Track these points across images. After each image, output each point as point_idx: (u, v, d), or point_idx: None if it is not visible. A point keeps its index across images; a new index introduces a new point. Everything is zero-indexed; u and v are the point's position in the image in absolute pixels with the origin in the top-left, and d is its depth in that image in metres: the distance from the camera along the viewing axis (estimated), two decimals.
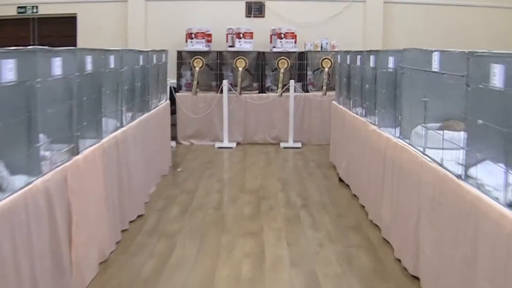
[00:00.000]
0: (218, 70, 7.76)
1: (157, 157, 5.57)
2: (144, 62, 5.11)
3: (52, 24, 8.87)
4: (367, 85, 4.71)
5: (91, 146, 3.49)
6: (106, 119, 3.94)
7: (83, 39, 8.47)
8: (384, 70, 4.16)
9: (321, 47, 7.99)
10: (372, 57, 4.52)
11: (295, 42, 7.85)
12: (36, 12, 8.75)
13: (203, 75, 7.95)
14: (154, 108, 5.58)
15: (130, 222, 4.33)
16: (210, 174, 5.99)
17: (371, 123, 4.52)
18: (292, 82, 7.56)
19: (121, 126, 4.30)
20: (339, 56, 6.24)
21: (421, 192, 3.17)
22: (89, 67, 3.47)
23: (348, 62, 5.64)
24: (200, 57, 7.61)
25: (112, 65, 4.06)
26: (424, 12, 8.61)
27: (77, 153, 3.24)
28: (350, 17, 8.48)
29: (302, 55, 7.90)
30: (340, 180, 5.68)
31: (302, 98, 7.79)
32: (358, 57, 5.10)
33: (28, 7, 8.73)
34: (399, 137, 3.80)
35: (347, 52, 5.77)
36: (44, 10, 8.68)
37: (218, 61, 7.75)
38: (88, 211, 3.33)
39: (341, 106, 6.00)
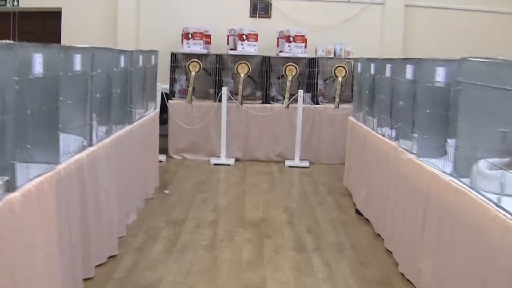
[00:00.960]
0: (217, 75, 6.83)
1: (140, 177, 4.65)
2: (126, 64, 4.19)
3: (35, 19, 7.95)
4: (400, 102, 3.78)
5: (39, 176, 2.56)
6: (67, 136, 3.02)
7: (68, 37, 7.54)
8: (429, 85, 3.23)
9: (334, 53, 7.07)
10: (410, 68, 3.59)
11: (305, 46, 6.93)
12: (17, 5, 7.82)
13: (199, 81, 7.04)
14: (139, 119, 4.66)
15: (98, 266, 3.40)
16: (203, 199, 5.06)
17: (406, 150, 3.60)
18: (300, 92, 6.63)
19: (90, 144, 3.37)
20: (359, 64, 5.32)
21: (496, 262, 2.24)
22: (38, 69, 2.55)
23: (372, 72, 4.72)
24: (197, 60, 6.69)
25: (77, 67, 3.13)
26: (448, 17, 7.70)
27: (14, 189, 2.31)
28: (367, 21, 7.56)
29: (312, 62, 6.98)
30: (358, 212, 4.76)
31: (311, 110, 6.86)
32: (388, 66, 4.17)
33: (8, 0, 7.82)
34: (451, 175, 2.87)
35: (371, 60, 4.85)
36: (26, 3, 7.75)
37: (217, 65, 6.83)
38: (31, 262, 2.41)
39: (360, 124, 5.07)
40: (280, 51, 7.03)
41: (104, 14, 7.53)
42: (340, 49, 7.07)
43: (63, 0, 7.63)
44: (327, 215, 4.73)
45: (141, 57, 4.62)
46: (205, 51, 6.90)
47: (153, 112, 5.27)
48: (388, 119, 4.11)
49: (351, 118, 5.56)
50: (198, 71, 6.69)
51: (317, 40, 7.19)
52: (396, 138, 3.89)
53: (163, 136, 6.86)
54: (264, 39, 7.07)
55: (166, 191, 5.29)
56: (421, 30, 7.67)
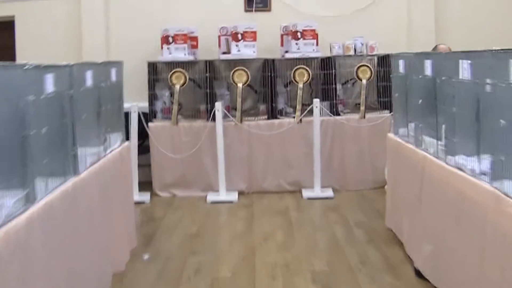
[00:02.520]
0: (208, 87, 5.35)
1: (103, 245, 3.19)
2: (60, 87, 2.71)
3: None
4: (498, 120, 2.30)
5: None
6: None
7: (23, 51, 6.08)
8: None
9: (355, 50, 5.58)
10: None
11: (317, 43, 5.46)
12: None
13: (186, 96, 5.59)
14: (94, 163, 3.20)
15: None
16: (196, 267, 3.57)
17: None
18: (316, 101, 5.16)
19: None
20: (400, 62, 3.83)
21: None
22: None
23: (428, 72, 3.23)
24: (181, 70, 5.22)
25: None
26: (489, 3, 6.20)
27: None
28: (390, 7, 6.07)
29: (327, 62, 5.50)
30: (418, 273, 3.29)
31: (330, 123, 5.38)
32: (464, 64, 2.68)
33: None
34: None
35: (427, 55, 3.36)
36: None
37: (208, 74, 5.35)
38: None
39: (410, 146, 3.59)
40: (286, 51, 5.55)
41: (66, 21, 6.06)
42: (362, 44, 5.58)
43: (16, 6, 6.16)
44: (376, 284, 3.24)
45: (89, 73, 3.14)
46: (191, 58, 5.43)
47: (120, 147, 3.79)
48: (472, 145, 2.62)
49: (391, 135, 4.08)
50: (184, 84, 5.22)
51: (331, 34, 5.72)
52: (494, 178, 2.40)
53: (145, 167, 5.40)
54: (265, 37, 5.60)
55: (146, 257, 3.81)
56: (456, 18, 6.17)
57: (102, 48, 5.86)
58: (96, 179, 3.16)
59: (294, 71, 5.25)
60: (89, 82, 3.17)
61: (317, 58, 5.53)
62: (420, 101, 3.39)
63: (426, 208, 3.26)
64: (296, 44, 5.39)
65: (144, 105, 5.40)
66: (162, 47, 5.44)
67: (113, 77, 3.70)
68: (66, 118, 2.84)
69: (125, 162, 3.89)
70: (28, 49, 6.02)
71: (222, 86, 5.55)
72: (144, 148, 5.50)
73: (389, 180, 4.21)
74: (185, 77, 5.21)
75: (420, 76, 3.37)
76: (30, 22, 6.13)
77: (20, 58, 5.96)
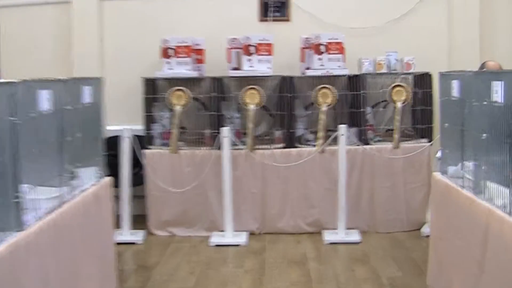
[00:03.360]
0: (214, 109, 4.56)
1: None
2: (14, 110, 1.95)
3: None
4: None
5: None
6: None
7: (7, 64, 5.34)
8: None
9: (388, 67, 4.75)
10: None
11: (344, 59, 4.64)
12: None
13: (190, 119, 4.81)
14: (49, 212, 2.41)
15: None
16: None
17: None
18: (342, 128, 4.33)
19: None
20: (455, 83, 2.99)
21: None
22: None
23: (497, 98, 2.39)
24: (183, 88, 4.44)
25: None
26: None
27: None
28: (428, 18, 5.23)
29: (355, 81, 4.67)
30: None
31: (358, 154, 4.55)
32: None
33: None
34: None
35: (496, 74, 2.52)
36: None
37: (215, 94, 4.56)
38: None
39: (465, 193, 2.75)
40: (307, 68, 4.74)
41: (55, 30, 5.31)
42: (396, 61, 4.75)
43: (1, 12, 5.44)
44: None
45: (44, 94, 2.36)
46: (195, 74, 4.65)
47: (95, 185, 3.00)
48: None
49: (438, 175, 3.22)
50: (186, 104, 4.43)
51: (360, 49, 4.90)
52: None
53: (140, 198, 4.62)
54: (282, 51, 4.81)
55: None
56: (503, 27, 5.32)
57: (95, 60, 5.11)
58: (54, 233, 2.37)
59: (317, 92, 4.44)
60: (45, 104, 2.39)
61: (343, 76, 4.71)
62: (485, 135, 2.54)
63: (491, 280, 2.41)
64: (319, 59, 4.57)
65: (138, 127, 4.64)
66: (163, 61, 4.66)
67: (86, 98, 2.92)
68: (4, 154, 2.06)
69: (102, 203, 3.09)
70: (12, 63, 5.28)
71: (232, 107, 4.75)
72: (140, 177, 4.70)
73: (433, 230, 3.35)
74: (188, 96, 4.42)
75: (485, 102, 2.53)
76: (15, 31, 5.38)
77: (3, 74, 5.24)
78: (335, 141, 4.38)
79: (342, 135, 4.30)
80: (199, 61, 4.81)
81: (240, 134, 4.65)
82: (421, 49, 4.99)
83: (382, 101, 5.01)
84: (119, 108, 4.94)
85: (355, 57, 4.80)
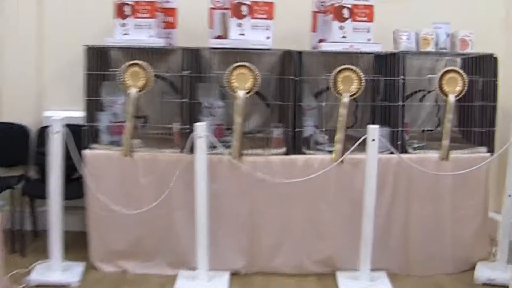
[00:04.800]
0: (187, 94, 3.12)
1: None
2: None
3: None
4: None
5: None
6: None
7: None
8: None
9: (436, 44, 3.36)
10: None
11: (369, 31, 3.22)
12: None
13: (151, 107, 3.42)
14: None
15: None
16: None
17: None
18: (374, 130, 2.94)
19: None
20: None
21: None
22: None
23: None
24: (141, 63, 3.02)
25: None
26: None
27: None
28: None
29: (390, 62, 3.28)
30: None
31: (391, 166, 3.17)
32: None
33: None
34: None
35: None
36: None
37: (189, 72, 3.12)
38: None
39: None
40: (321, 41, 3.34)
41: None
42: (447, 35, 3.37)
43: None
44: None
45: None
46: (161, 43, 3.21)
47: None
48: None
49: None
50: (145, 86, 3.02)
51: (395, 18, 3.53)
52: None
53: (77, 210, 3.26)
54: (287, 16, 3.40)
55: None
56: None
57: (32, 30, 3.69)
58: None
59: (336, 75, 3.04)
60: None
61: (373, 53, 3.33)
62: None
63: None
64: (341, 28, 3.17)
65: (78, 114, 3.25)
66: (116, 23, 3.24)
67: None
68: None
69: None
70: None
71: (212, 93, 3.35)
72: (72, 190, 3.31)
73: None
74: (148, 74, 3.01)
75: None
76: None
77: None
78: (360, 148, 3.01)
79: (373, 140, 2.92)
80: (169, 25, 3.39)
81: (222, 132, 3.27)
82: (477, 21, 3.63)
83: (419, 91, 3.67)
84: (62, 88, 3.59)
85: (388, 28, 3.42)
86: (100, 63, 3.25)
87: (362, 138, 2.94)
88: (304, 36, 3.48)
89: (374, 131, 2.93)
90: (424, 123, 3.76)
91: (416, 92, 3.69)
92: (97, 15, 3.58)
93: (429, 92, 3.73)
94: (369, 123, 3.14)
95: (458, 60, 3.66)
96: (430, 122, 3.79)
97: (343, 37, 3.17)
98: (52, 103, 3.78)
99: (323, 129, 3.26)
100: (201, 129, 2.91)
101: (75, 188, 3.26)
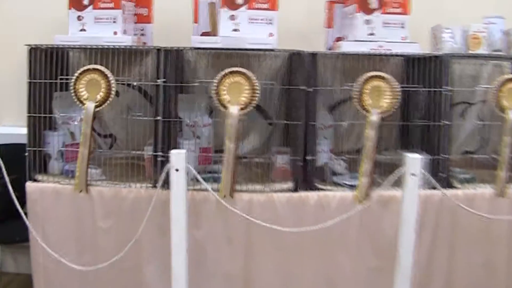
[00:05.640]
0: (164, 109, 2.34)
1: None
2: None
3: None
4: None
5: None
6: None
7: None
8: None
9: (489, 44, 2.58)
10: None
11: (404, 26, 2.44)
12: None
13: (116, 126, 2.63)
14: None
15: None
16: None
17: None
18: (414, 160, 2.16)
19: None
20: None
21: None
22: None
23: None
24: (101, 68, 2.24)
25: None
26: None
27: None
28: None
29: (431, 67, 2.50)
30: None
31: (432, 205, 2.39)
32: None
33: None
34: None
35: None
36: None
37: (165, 81, 2.34)
38: None
39: None
40: (338, 39, 2.56)
41: None
42: (501, 33, 2.59)
43: None
44: None
45: None
46: (128, 41, 2.42)
47: None
48: None
49: None
50: (105, 99, 2.24)
51: (433, 10, 2.76)
52: None
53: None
54: (295, 7, 2.63)
55: None
56: None
57: None
58: None
59: (363, 84, 2.26)
60: None
61: (407, 56, 2.56)
62: None
63: None
64: (367, 23, 2.40)
65: (20, 131, 2.48)
66: (71, 16, 2.46)
67: None
68: None
69: None
70: None
71: (197, 106, 2.56)
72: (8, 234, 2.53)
73: None
74: (110, 83, 2.23)
75: None
76: None
77: None
78: (395, 182, 2.23)
79: (413, 175, 2.15)
80: (142, 18, 2.63)
81: (209, 159, 2.49)
82: None
83: (461, 103, 2.91)
84: (14, 98, 2.88)
85: (426, 23, 2.65)
86: (52, 68, 2.47)
87: (399, 173, 2.16)
88: (317, 33, 2.71)
89: (414, 163, 2.15)
90: (464, 144, 2.99)
91: (455, 105, 2.93)
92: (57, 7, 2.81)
93: (471, 105, 2.98)
94: (397, 147, 2.39)
95: (507, 64, 2.89)
96: (472, 143, 3.03)
97: (371, 34, 2.39)
98: (5, 116, 3.05)
99: (343, 157, 2.48)
100: (179, 159, 2.13)
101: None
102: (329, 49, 2.61)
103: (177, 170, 2.11)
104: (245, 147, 2.75)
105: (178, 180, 2.13)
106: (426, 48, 2.65)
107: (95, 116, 2.24)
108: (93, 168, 2.39)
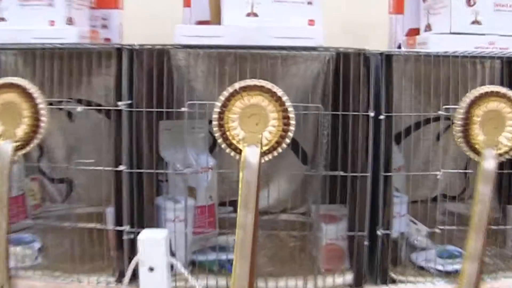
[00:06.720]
0: (129, 149, 1.40)
1: None
2: None
3: None
4: None
5: None
6: None
7: None
8: None
9: None
10: None
11: None
12: None
13: (41, 191, 1.70)
14: None
15: None
16: None
17: None
18: None
19: None
20: None
21: None
22: None
23: None
24: (20, 83, 1.30)
25: None
26: None
27: None
28: None
29: None
30: None
31: None
32: None
33: None
34: None
35: None
36: None
37: (127, 105, 1.40)
38: None
39: None
40: (411, 32, 1.61)
41: None
42: None
43: None
44: None
45: None
46: (66, 36, 1.47)
47: None
48: None
49: None
50: (33, 136, 1.30)
51: None
52: None
53: None
54: None
55: None
56: None
57: None
58: None
59: (471, 109, 1.31)
60: None
61: (500, 58, 1.63)
62: None
63: None
64: (469, 5, 1.44)
65: None
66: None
67: None
68: None
69: None
70: None
71: (190, 139, 1.61)
72: None
73: None
74: (37, 108, 1.30)
75: None
76: None
77: None
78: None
79: None
80: (104, 3, 1.69)
81: (213, 223, 1.56)
82: None
83: None
84: None
85: None
86: None
87: None
88: (373, 23, 1.76)
89: None
90: None
91: None
92: None
93: None
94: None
95: None
96: None
97: (475, 22, 1.44)
98: None
99: (429, 223, 1.52)
100: (153, 253, 1.19)
101: None
102: (398, 47, 1.67)
103: (151, 269, 1.17)
104: (268, 195, 1.80)
105: (152, 285, 1.19)
106: None
107: (14, 162, 1.31)
108: (26, 243, 1.47)
